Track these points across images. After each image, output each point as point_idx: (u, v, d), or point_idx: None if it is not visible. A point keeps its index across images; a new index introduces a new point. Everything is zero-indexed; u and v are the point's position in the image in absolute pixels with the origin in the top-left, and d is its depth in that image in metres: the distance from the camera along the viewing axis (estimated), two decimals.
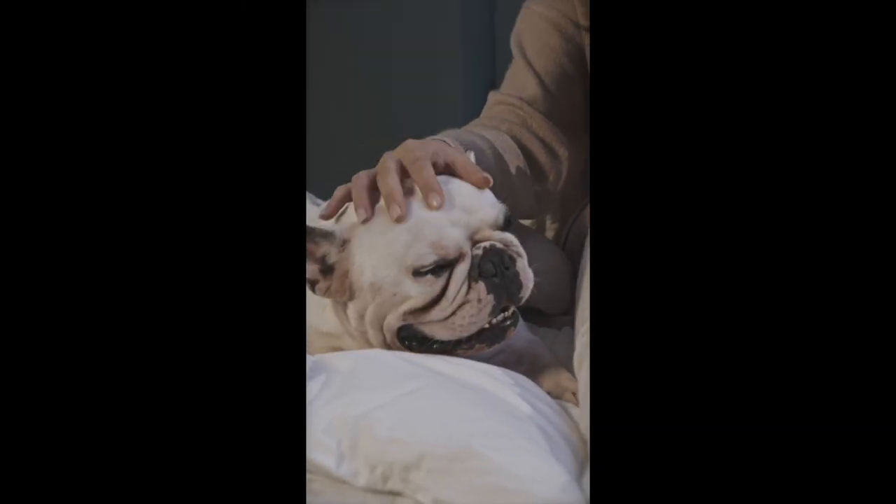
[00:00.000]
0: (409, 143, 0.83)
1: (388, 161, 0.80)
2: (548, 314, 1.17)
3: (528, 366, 0.89)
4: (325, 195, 1.44)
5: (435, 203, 0.77)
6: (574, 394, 0.81)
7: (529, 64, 1.09)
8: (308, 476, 0.64)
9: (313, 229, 0.80)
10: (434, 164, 0.80)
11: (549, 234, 1.30)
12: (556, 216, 1.30)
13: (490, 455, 0.60)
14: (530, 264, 0.83)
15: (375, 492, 0.62)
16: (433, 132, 0.94)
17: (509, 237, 0.81)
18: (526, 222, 1.29)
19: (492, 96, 1.12)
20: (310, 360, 0.75)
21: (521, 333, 0.96)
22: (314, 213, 1.29)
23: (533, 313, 1.13)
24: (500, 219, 0.82)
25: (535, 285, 0.82)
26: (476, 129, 1.03)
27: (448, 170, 0.82)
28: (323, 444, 0.64)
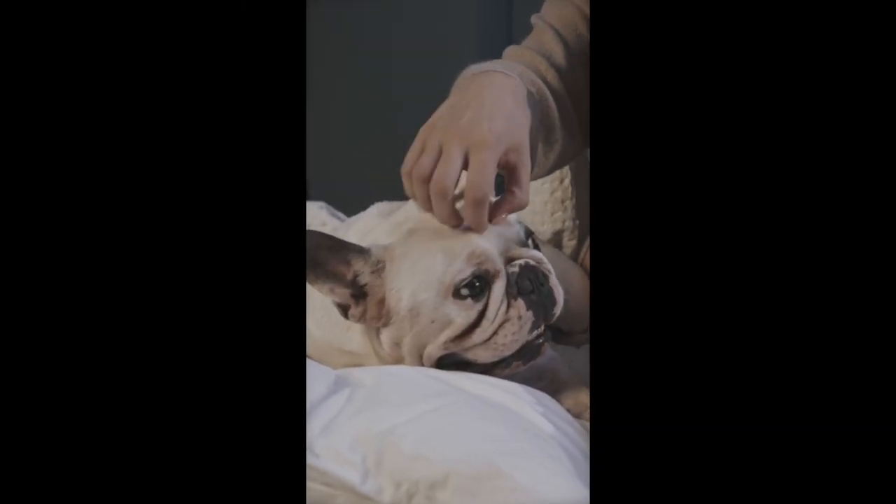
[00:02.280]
0: (485, 129, 0.77)
1: (456, 152, 0.76)
2: (566, 331, 1.17)
3: (547, 382, 0.90)
4: (325, 194, 1.44)
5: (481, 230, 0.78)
6: None
7: (559, 35, 1.01)
8: (331, 491, 0.64)
9: (347, 245, 0.79)
10: (499, 162, 0.77)
11: (567, 250, 1.30)
12: (574, 233, 1.30)
13: (515, 475, 0.61)
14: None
15: None
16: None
17: (539, 254, 0.82)
18: (545, 236, 1.29)
19: (513, 50, 1.02)
20: (333, 374, 0.76)
21: None
22: (335, 224, 1.29)
23: (552, 330, 1.13)
24: (523, 235, 0.83)
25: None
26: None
27: (507, 168, 0.79)
28: (348, 460, 0.64)
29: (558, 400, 0.84)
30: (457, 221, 0.78)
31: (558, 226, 1.31)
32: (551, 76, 0.98)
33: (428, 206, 0.79)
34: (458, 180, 0.77)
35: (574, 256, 1.29)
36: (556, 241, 1.32)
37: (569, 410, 0.82)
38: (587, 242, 1.27)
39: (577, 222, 1.31)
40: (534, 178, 1.00)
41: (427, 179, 0.77)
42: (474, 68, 0.88)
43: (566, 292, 1.15)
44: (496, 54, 1.04)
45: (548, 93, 0.96)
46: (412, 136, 0.83)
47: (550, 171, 1.07)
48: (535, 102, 0.91)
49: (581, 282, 1.19)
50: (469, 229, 0.79)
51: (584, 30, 1.02)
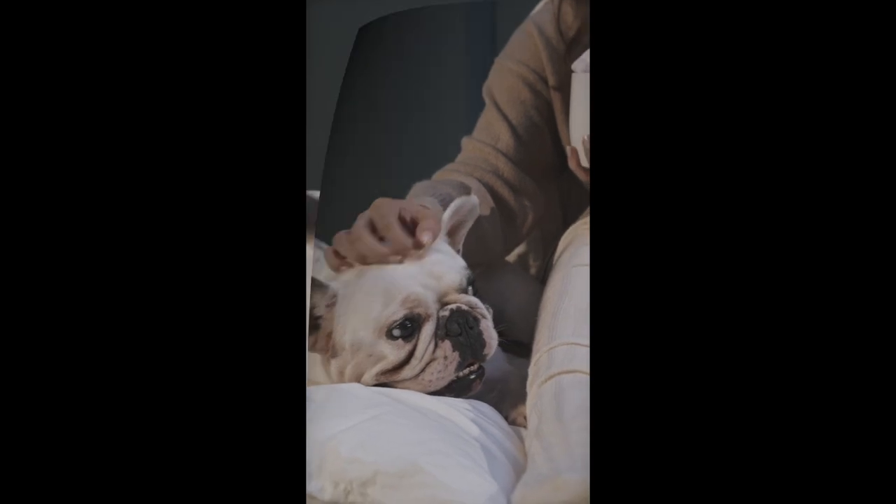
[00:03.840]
0: (378, 201, 0.92)
1: (359, 223, 0.89)
2: (528, 345, 1.25)
3: (497, 394, 0.98)
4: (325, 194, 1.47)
5: (423, 246, 0.88)
6: (525, 417, 0.90)
7: (503, 114, 1.17)
8: None
9: (311, 279, 0.89)
10: (401, 220, 0.90)
11: (532, 270, 1.39)
12: (539, 254, 1.39)
13: (433, 471, 0.70)
14: (512, 299, 0.93)
15: None
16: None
17: (474, 300, 0.91)
18: (510, 258, 1.38)
19: (466, 142, 1.19)
20: None
21: (499, 364, 1.06)
22: (315, 255, 1.38)
23: (516, 345, 1.21)
24: (465, 282, 0.92)
25: (517, 317, 0.94)
26: (450, 176, 1.12)
27: (414, 224, 0.91)
28: None
29: (502, 409, 0.93)
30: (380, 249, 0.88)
31: (522, 248, 1.39)
32: (502, 163, 1.15)
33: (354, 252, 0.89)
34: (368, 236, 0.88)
35: (538, 276, 1.37)
36: (522, 263, 1.40)
37: (507, 417, 0.91)
38: (547, 261, 1.35)
39: (542, 244, 1.39)
40: (508, 251, 1.26)
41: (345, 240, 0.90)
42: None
43: (526, 308, 1.24)
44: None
45: (499, 183, 1.13)
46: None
47: (525, 238, 1.26)
48: (488, 198, 1.09)
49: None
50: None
51: (527, 95, 1.17)
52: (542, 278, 1.36)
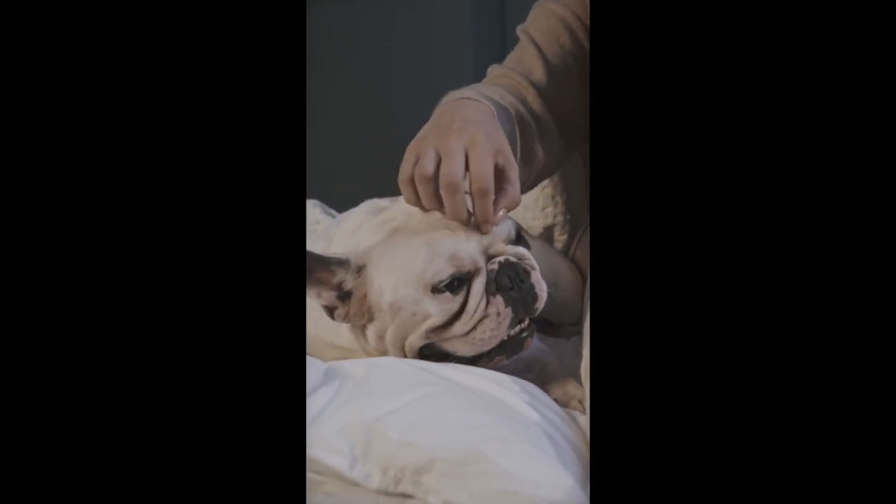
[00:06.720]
0: (476, 129, 0.81)
1: (456, 148, 0.78)
2: (557, 324, 1.18)
3: (536, 373, 0.91)
4: (324, 195, 1.46)
5: (486, 231, 0.80)
6: (581, 402, 0.83)
7: (540, 50, 1.06)
8: (321, 478, 0.66)
9: (328, 258, 0.82)
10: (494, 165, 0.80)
11: (558, 245, 1.32)
12: (565, 227, 1.32)
13: (498, 460, 0.62)
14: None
15: (387, 494, 0.64)
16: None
17: (522, 250, 0.83)
18: (535, 234, 1.30)
19: (494, 69, 1.08)
20: (323, 366, 0.77)
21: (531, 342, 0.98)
22: (327, 223, 1.31)
23: (542, 323, 1.14)
24: (512, 233, 0.84)
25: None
26: (486, 91, 0.98)
27: (496, 170, 0.81)
28: (336, 447, 0.65)
29: (546, 391, 0.85)
30: (467, 215, 0.80)
31: (549, 221, 1.32)
32: (531, 97, 1.03)
33: (434, 204, 0.80)
34: (464, 175, 0.79)
35: (565, 251, 1.30)
36: (547, 235, 1.33)
37: (556, 400, 0.84)
38: (578, 236, 1.28)
39: (568, 217, 1.32)
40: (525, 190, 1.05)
41: (431, 178, 0.79)
42: (453, 94, 0.93)
43: (555, 286, 1.16)
44: (504, 52, 1.08)
45: (527, 114, 1.01)
46: (412, 136, 0.85)
47: (533, 186, 1.12)
48: (512, 126, 0.96)
49: (571, 275, 1.21)
50: (456, 224, 0.81)
51: (566, 40, 1.06)
52: (570, 254, 1.29)
